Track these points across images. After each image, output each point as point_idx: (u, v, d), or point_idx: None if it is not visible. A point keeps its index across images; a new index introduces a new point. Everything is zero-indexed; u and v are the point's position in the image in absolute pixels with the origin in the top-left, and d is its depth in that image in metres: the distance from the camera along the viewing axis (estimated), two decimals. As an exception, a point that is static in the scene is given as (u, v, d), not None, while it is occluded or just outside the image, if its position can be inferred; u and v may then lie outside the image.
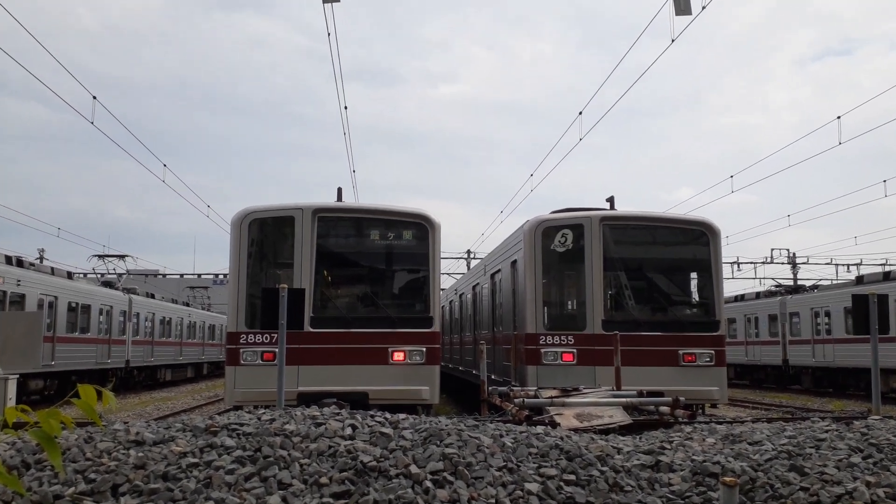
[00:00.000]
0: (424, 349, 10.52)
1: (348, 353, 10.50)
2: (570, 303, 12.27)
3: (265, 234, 11.26)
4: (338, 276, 11.39)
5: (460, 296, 20.32)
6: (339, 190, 11.96)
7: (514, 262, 12.50)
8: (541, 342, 11.14)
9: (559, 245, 11.57)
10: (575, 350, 11.11)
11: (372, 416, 5.77)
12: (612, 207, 12.32)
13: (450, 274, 39.13)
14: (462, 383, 20.17)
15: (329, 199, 11.55)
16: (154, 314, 30.27)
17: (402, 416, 6.01)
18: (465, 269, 37.65)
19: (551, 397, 8.64)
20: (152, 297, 31.56)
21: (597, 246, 11.41)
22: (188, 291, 48.07)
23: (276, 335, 10.27)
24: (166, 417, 14.69)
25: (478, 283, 16.78)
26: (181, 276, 50.56)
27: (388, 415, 5.97)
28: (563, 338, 11.14)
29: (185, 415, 10.71)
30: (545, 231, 11.46)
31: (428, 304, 10.76)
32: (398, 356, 10.52)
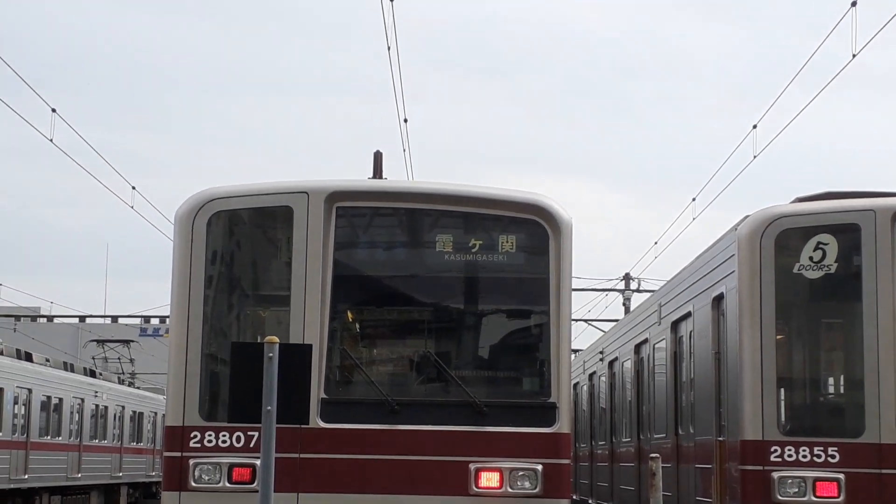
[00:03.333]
0: (540, 467, 10.59)
1: (392, 470, 10.72)
2: (831, 380, 12.19)
3: (239, 241, 11.72)
4: (373, 321, 11.76)
5: (609, 364, 20.35)
6: (378, 156, 12.21)
7: (717, 300, 12.50)
8: (772, 459, 11.08)
9: (810, 265, 11.48)
10: (842, 476, 10.96)
11: None
12: (920, 191, 12.42)
13: (588, 321, 38.82)
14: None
15: (358, 176, 11.82)
16: (31, 391, 30.66)
17: None
18: (617, 314, 37.26)
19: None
20: (28, 358, 32.34)
21: (887, 266, 11.26)
22: (94, 348, 49.11)
23: (255, 434, 10.42)
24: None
25: (643, 341, 16.82)
26: (81, 318, 51.90)
27: None
28: (817, 451, 11.06)
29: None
30: (782, 237, 11.45)
31: (547, 380, 10.95)
32: (489, 479, 10.64)
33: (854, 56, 14.83)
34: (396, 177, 13.18)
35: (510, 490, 10.51)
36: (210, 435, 10.64)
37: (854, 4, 14.77)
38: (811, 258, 11.32)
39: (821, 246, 11.29)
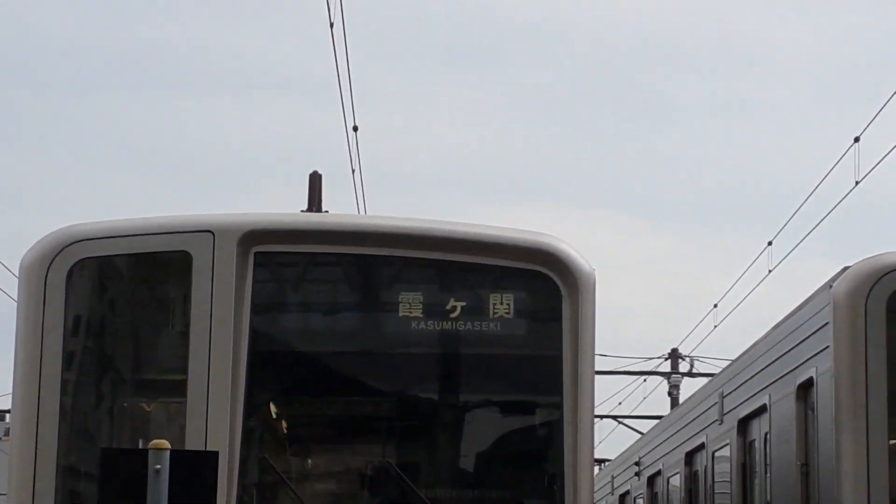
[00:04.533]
0: None
1: None
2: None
3: (112, 302, 11.29)
4: (308, 419, 11.45)
5: (649, 480, 20.43)
6: (315, 180, 11.98)
7: (803, 388, 12.27)
8: None
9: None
10: None
11: None
12: None
13: (619, 419, 38.30)
14: None
15: (289, 208, 11.54)
16: None
17: None
18: (660, 408, 36.73)
19: None
20: None
21: None
22: None
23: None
24: None
25: (698, 447, 16.76)
26: None
27: None
28: None
29: None
30: (896, 296, 11.02)
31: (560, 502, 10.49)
32: None
33: None
34: (342, 209, 12.82)
35: None
36: None
37: None
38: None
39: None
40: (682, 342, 44.29)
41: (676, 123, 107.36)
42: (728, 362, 16.52)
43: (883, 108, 17.94)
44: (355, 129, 20.37)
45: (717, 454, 15.55)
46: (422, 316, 10.80)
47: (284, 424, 11.14)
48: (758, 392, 13.69)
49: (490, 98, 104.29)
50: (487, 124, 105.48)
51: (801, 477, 12.17)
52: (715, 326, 37.30)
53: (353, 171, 21.45)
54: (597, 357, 11.03)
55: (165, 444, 8.80)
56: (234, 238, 10.59)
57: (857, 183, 19.72)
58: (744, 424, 14.27)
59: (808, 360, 12.00)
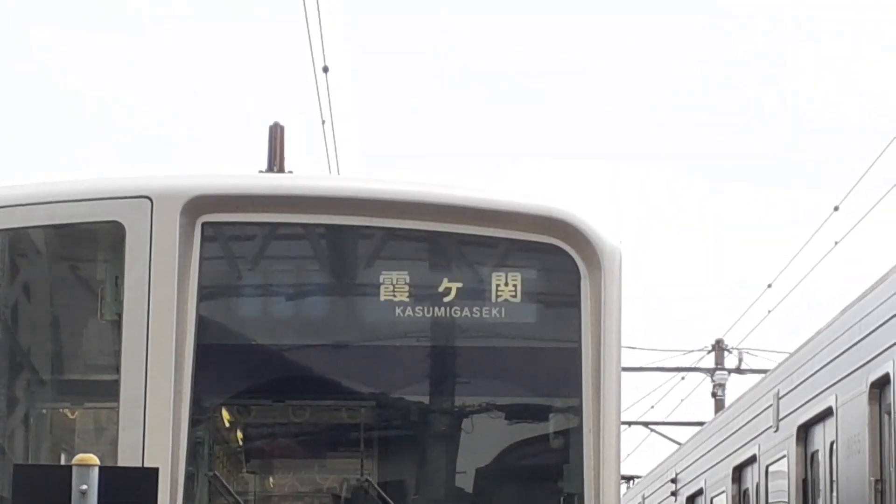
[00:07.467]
0: None
1: None
2: None
3: (27, 284, 11.46)
4: (269, 428, 11.60)
5: (689, 501, 21.42)
6: (276, 133, 12.07)
7: (878, 387, 12.67)
8: None
9: None
10: None
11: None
12: None
13: (651, 426, 38.53)
14: None
15: (246, 168, 11.65)
16: None
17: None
18: (701, 413, 37.05)
19: None
20: None
21: None
22: None
23: None
24: None
25: (748, 461, 17.45)
26: None
27: None
28: None
29: None
30: None
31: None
32: None
33: None
34: (309, 169, 12.86)
35: None
36: None
37: None
38: None
39: None
40: (728, 331, 44.48)
41: (731, 44, 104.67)
42: (785, 356, 16.89)
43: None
44: (325, 69, 20.29)
45: (771, 468, 16.02)
46: (408, 300, 10.89)
47: (240, 435, 11.24)
48: (821, 392, 13.99)
49: (507, 14, 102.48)
50: (499, 50, 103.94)
51: (874, 495, 12.40)
52: (769, 312, 37.40)
53: (323, 121, 21.39)
54: (624, 350, 11.07)
55: (93, 458, 8.94)
56: (176, 205, 10.66)
57: None
58: (804, 432, 14.70)
59: (883, 351, 12.24)
